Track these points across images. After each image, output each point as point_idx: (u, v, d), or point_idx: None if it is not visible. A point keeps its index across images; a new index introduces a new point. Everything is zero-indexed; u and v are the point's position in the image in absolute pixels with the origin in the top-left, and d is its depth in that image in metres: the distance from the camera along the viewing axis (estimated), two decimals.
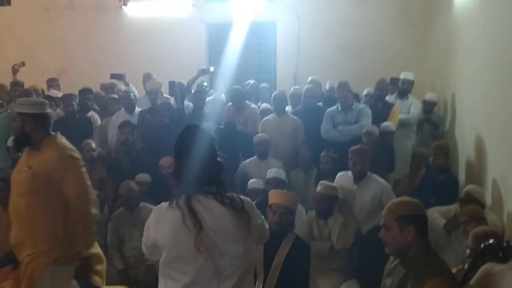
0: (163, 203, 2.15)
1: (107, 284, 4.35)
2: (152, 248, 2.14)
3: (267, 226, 2.35)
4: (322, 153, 4.98)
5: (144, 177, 4.88)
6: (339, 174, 4.60)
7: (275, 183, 4.47)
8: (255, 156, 5.28)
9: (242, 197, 2.19)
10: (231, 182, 4.95)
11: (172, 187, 2.24)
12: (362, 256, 3.92)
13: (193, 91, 6.20)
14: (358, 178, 4.40)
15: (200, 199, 2.07)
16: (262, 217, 2.30)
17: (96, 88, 6.78)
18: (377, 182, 4.40)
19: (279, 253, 3.11)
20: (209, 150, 2.17)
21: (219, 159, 2.21)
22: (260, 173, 4.87)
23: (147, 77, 6.68)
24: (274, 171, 4.60)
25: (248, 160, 5.32)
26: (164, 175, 4.92)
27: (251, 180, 4.78)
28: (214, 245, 2.02)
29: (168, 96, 5.90)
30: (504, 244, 2.45)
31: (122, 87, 6.49)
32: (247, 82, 7.01)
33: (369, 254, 3.64)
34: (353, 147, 4.49)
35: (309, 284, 4.01)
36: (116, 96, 6.26)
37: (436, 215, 4.20)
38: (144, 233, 2.18)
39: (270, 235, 2.38)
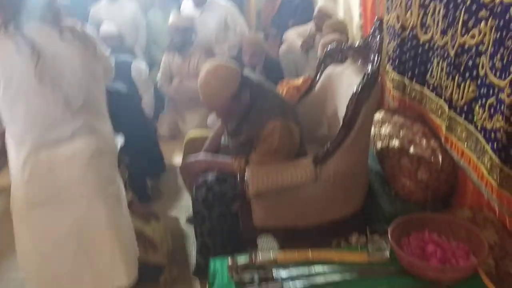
0: None
1: None
2: None
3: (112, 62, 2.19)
4: None
5: None
6: (183, 2, 4.37)
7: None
8: None
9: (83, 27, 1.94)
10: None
11: None
12: None
13: None
14: (198, 3, 4.17)
15: (33, 26, 1.78)
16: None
17: None
18: (220, 5, 4.23)
19: None
20: None
21: None
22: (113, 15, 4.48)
23: None
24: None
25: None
26: None
27: (103, 26, 4.39)
28: (60, 74, 1.80)
29: None
30: (342, 46, 2.52)
31: None
32: None
33: None
34: None
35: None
36: None
37: (294, 37, 4.26)
38: None
39: None
